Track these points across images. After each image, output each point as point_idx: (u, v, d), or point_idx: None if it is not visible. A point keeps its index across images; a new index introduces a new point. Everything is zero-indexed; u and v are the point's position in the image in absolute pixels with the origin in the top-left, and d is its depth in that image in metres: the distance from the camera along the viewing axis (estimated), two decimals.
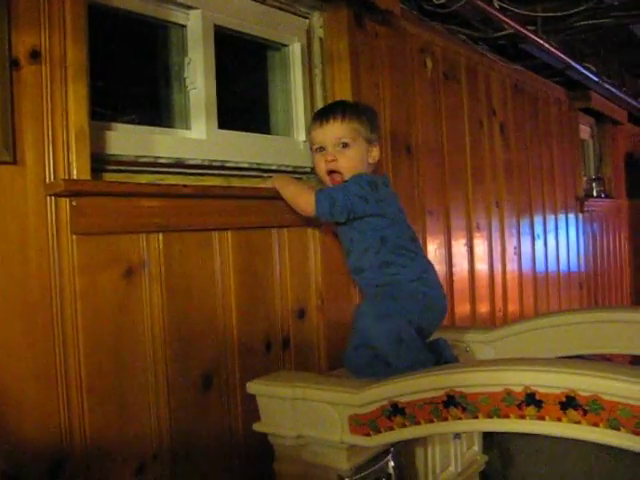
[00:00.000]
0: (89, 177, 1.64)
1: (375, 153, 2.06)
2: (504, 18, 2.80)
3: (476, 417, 1.56)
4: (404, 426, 1.66)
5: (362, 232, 2.00)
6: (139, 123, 1.99)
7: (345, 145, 1.99)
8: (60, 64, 1.61)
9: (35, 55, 1.57)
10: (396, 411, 1.66)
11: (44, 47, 1.58)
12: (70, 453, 1.59)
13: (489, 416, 1.54)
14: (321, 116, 2.04)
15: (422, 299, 1.98)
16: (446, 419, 1.60)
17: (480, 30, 3.25)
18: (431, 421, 1.62)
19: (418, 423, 1.64)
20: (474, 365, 1.80)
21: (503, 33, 3.22)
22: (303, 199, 1.97)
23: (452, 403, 1.58)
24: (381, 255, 1.99)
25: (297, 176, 2.40)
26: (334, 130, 1.99)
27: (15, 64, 1.53)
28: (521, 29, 2.94)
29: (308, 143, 2.08)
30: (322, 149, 2.02)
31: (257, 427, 1.87)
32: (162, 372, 1.79)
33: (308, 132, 2.07)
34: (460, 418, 1.58)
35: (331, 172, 2.01)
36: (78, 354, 1.61)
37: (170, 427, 1.81)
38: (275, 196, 2.07)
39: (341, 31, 2.49)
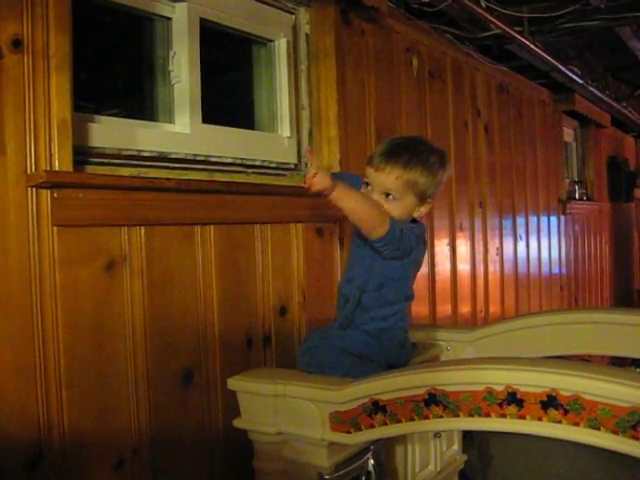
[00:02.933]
0: (71, 169, 1.63)
1: (424, 210, 1.86)
2: (491, 18, 2.80)
3: (457, 415, 1.55)
4: (385, 424, 1.65)
5: (383, 267, 1.86)
6: (123, 116, 1.97)
7: (391, 197, 1.79)
8: (43, 54, 1.59)
9: (17, 44, 1.55)
10: (377, 409, 1.65)
11: (26, 36, 1.57)
12: (48, 448, 1.58)
13: (470, 415, 1.53)
14: (380, 157, 1.80)
15: (408, 350, 1.95)
16: (427, 417, 1.59)
17: (466, 30, 3.25)
18: (412, 419, 1.61)
19: (399, 421, 1.63)
20: (456, 363, 1.80)
21: (489, 33, 3.22)
22: (381, 216, 1.73)
23: (433, 401, 1.58)
24: (386, 295, 1.87)
25: (281, 172, 2.39)
26: (385, 180, 1.78)
27: None
28: (507, 29, 2.94)
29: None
30: (368, 185, 1.84)
31: (237, 423, 1.86)
32: (142, 367, 1.78)
33: (367, 159, 1.84)
34: (441, 416, 1.57)
35: None
36: (58, 348, 1.60)
37: (150, 422, 1.80)
38: (258, 192, 2.06)
39: (327, 27, 2.49)
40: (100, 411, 1.69)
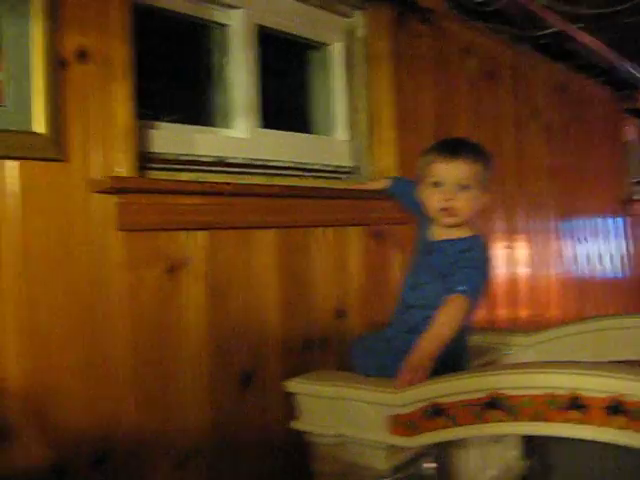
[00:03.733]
0: (134, 175, 1.66)
1: (485, 200, 1.92)
2: (548, 16, 2.76)
3: (518, 420, 1.53)
4: (445, 427, 1.64)
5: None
6: (182, 122, 2.00)
7: (466, 187, 1.86)
8: (107, 64, 1.63)
9: (83, 55, 1.60)
10: (437, 412, 1.64)
11: (91, 47, 1.61)
12: (114, 445, 1.62)
13: (532, 419, 1.51)
14: (449, 151, 1.89)
15: (468, 354, 1.98)
16: (487, 421, 1.58)
17: (523, 29, 3.20)
18: (472, 423, 1.60)
19: (459, 425, 1.61)
20: (517, 367, 1.77)
21: (547, 31, 3.18)
22: (458, 314, 1.77)
23: (494, 405, 1.56)
24: None
25: (338, 176, 2.39)
26: (460, 170, 1.85)
27: (63, 64, 1.56)
28: (566, 27, 2.90)
29: (422, 171, 1.91)
30: (439, 184, 1.88)
31: (296, 425, 1.87)
32: (203, 368, 1.81)
33: (425, 161, 1.91)
34: (502, 420, 1.55)
35: (449, 208, 1.89)
36: (123, 349, 1.64)
37: (211, 423, 1.83)
38: (315, 195, 2.07)
39: (383, 30, 2.48)
40: (163, 411, 1.72)
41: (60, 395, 1.53)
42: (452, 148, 1.91)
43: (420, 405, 1.66)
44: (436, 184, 1.88)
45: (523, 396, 1.52)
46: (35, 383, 1.49)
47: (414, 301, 1.91)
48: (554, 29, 3.10)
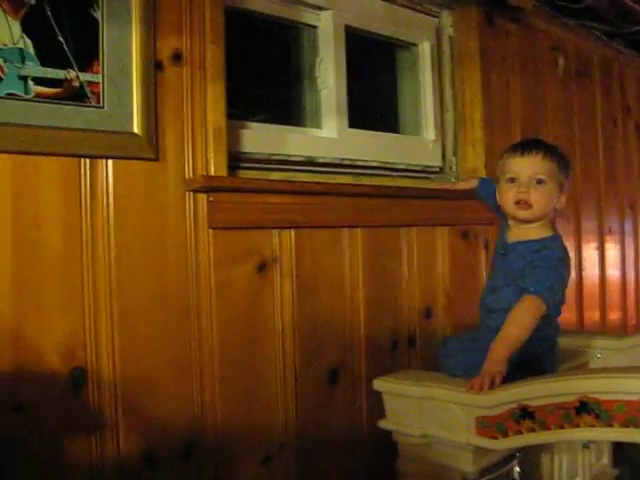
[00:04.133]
0: (226, 174, 1.70)
1: (563, 200, 1.94)
2: None
3: (610, 425, 1.50)
4: (533, 430, 1.62)
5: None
6: (272, 122, 2.03)
7: (540, 181, 1.88)
8: (200, 66, 1.68)
9: (177, 57, 1.65)
10: (525, 415, 1.62)
11: (185, 50, 1.66)
12: (202, 437, 1.67)
13: (625, 425, 1.48)
14: (522, 147, 1.93)
15: (557, 357, 1.98)
16: (578, 426, 1.55)
17: (615, 25, 3.12)
18: (562, 427, 1.57)
19: (548, 428, 1.59)
20: (610, 371, 1.73)
21: None
22: (533, 314, 1.75)
23: (585, 409, 1.53)
24: None
25: (426, 175, 2.39)
26: (534, 164, 1.88)
27: (159, 66, 1.62)
28: None
29: (498, 171, 1.96)
30: (514, 180, 1.90)
31: (382, 424, 1.87)
32: (290, 365, 1.84)
33: (502, 161, 1.95)
34: (593, 426, 1.53)
35: (519, 202, 1.89)
36: (212, 344, 1.68)
37: (296, 419, 1.86)
38: (404, 195, 2.08)
39: (471, 29, 2.47)
40: (250, 406, 1.76)
41: (151, 388, 1.59)
42: (527, 144, 1.94)
43: (508, 407, 1.64)
44: (511, 180, 1.90)
45: (616, 401, 1.49)
46: (127, 376, 1.55)
47: (494, 304, 1.91)
48: None
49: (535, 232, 1.91)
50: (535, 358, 1.84)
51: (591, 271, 3.12)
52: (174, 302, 1.62)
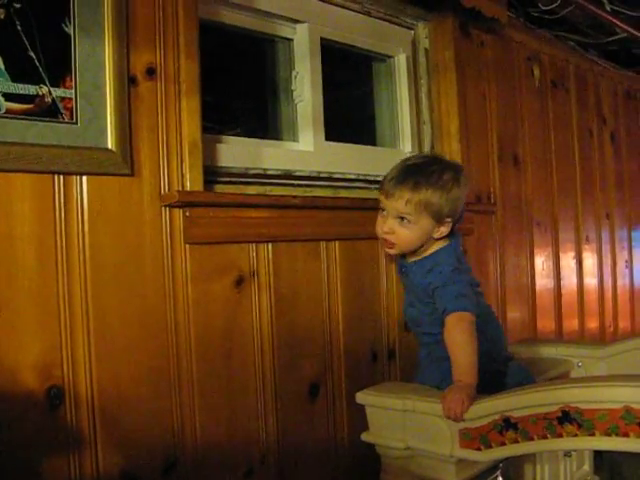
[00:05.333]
0: (202, 189, 1.69)
1: (443, 229, 1.81)
2: (617, 22, 2.71)
3: (593, 435, 1.50)
4: (516, 442, 1.61)
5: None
6: (247, 136, 2.02)
7: (405, 220, 1.77)
8: (174, 80, 1.67)
9: (151, 72, 1.63)
10: (508, 426, 1.61)
11: (159, 64, 1.65)
12: (182, 453, 1.64)
13: (607, 434, 1.47)
14: (392, 181, 1.79)
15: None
16: (560, 435, 1.54)
17: (590, 35, 3.16)
18: (544, 437, 1.57)
19: (531, 439, 1.59)
20: (591, 380, 1.73)
21: (615, 38, 3.12)
22: (469, 331, 1.72)
23: (567, 419, 1.53)
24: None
25: None
26: (398, 203, 1.76)
27: (132, 81, 1.60)
28: (636, 33, 2.84)
29: None
30: (383, 211, 1.82)
31: (365, 437, 1.86)
32: (270, 379, 1.82)
33: (380, 185, 1.84)
34: (575, 435, 1.52)
35: (386, 240, 1.82)
36: (190, 359, 1.66)
37: (277, 433, 1.84)
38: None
39: (446, 41, 2.48)
40: (230, 420, 1.74)
41: (130, 404, 1.56)
42: (394, 179, 1.79)
43: (491, 419, 1.63)
44: (382, 210, 1.82)
45: (597, 410, 1.48)
46: (105, 393, 1.52)
47: (416, 318, 1.89)
48: (622, 35, 3.03)
49: (424, 250, 1.84)
50: (488, 376, 1.82)
51: (569, 280, 3.14)
52: (151, 318, 1.60)
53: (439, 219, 1.77)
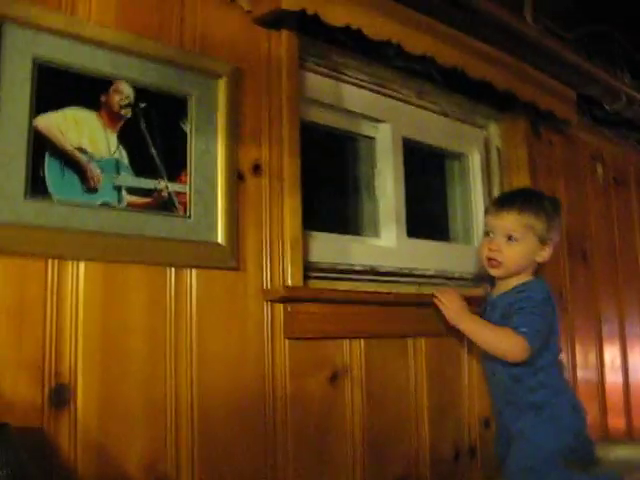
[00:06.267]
0: (301, 284, 1.71)
1: (545, 253, 1.95)
2: None
3: None
4: None
5: None
6: (331, 231, 2.04)
7: (512, 238, 1.91)
8: (278, 177, 1.72)
9: (257, 169, 1.69)
10: None
11: (265, 161, 1.70)
12: None
13: None
14: (499, 203, 1.99)
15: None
16: None
17: None
18: None
19: None
20: None
21: None
22: (513, 346, 1.82)
23: None
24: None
25: (478, 284, 2.40)
26: (506, 221, 1.91)
27: (240, 177, 1.65)
28: None
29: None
30: (490, 234, 1.96)
31: None
32: (359, 475, 1.80)
33: (484, 212, 2.05)
34: None
35: (492, 259, 1.95)
36: (287, 453, 1.65)
37: None
38: None
39: (518, 140, 2.54)
40: None
41: None
42: (505, 199, 2.00)
43: None
44: (487, 234, 1.97)
45: None
46: None
47: (493, 370, 1.99)
48: None
49: (516, 281, 1.94)
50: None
51: (637, 376, 3.08)
52: (252, 413, 1.60)
53: (543, 241, 1.93)
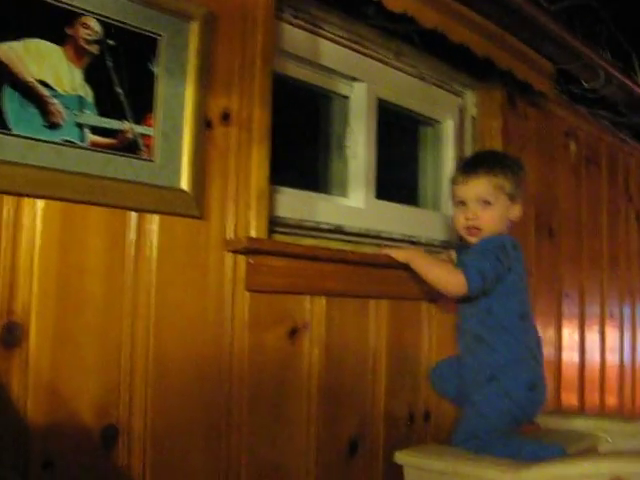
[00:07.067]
0: (266, 237, 1.69)
1: (517, 211, 1.99)
2: None
3: None
4: None
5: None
6: (301, 188, 2.03)
7: (487, 203, 1.94)
8: (247, 127, 1.68)
9: (226, 117, 1.65)
10: None
11: (234, 111, 1.67)
12: None
13: None
14: (465, 170, 1.99)
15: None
16: None
17: (624, 115, 3.21)
18: None
19: None
20: None
21: None
22: (452, 279, 1.87)
23: None
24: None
25: (444, 251, 2.39)
26: (477, 187, 1.94)
27: (208, 124, 1.61)
28: None
29: (451, 194, 2.05)
30: (463, 204, 1.97)
31: None
32: (314, 434, 1.79)
33: (451, 182, 2.02)
34: None
35: (471, 227, 1.96)
36: (241, 409, 1.64)
37: None
38: None
39: (493, 110, 2.53)
40: (273, 472, 1.71)
41: (180, 448, 1.53)
42: (470, 164, 2.01)
43: None
44: (460, 203, 1.98)
45: None
46: (158, 437, 1.49)
47: (463, 326, 2.03)
48: None
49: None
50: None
51: (592, 354, 3.13)
52: (208, 363, 1.58)
53: (512, 199, 1.97)
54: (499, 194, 1.93)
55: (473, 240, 1.97)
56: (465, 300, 1.96)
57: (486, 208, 1.94)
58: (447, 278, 1.88)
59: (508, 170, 1.97)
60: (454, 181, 2.01)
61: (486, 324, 1.93)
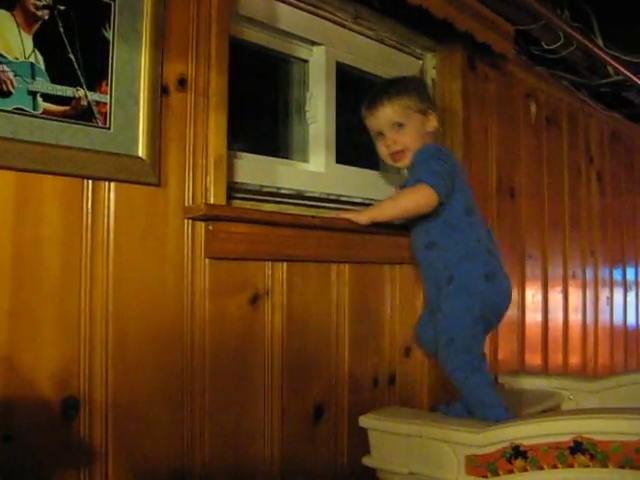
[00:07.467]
0: (224, 203, 1.68)
1: (432, 121, 2.03)
2: (617, 65, 2.78)
3: (606, 466, 1.52)
4: (525, 470, 1.62)
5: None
6: (259, 153, 2.01)
7: (400, 125, 1.98)
8: (204, 93, 1.66)
9: (182, 83, 1.63)
10: (517, 454, 1.62)
11: (191, 76, 1.65)
12: (190, 472, 1.61)
13: (620, 466, 1.50)
14: (370, 103, 2.02)
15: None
16: (572, 466, 1.56)
17: (584, 76, 3.23)
18: (555, 467, 1.59)
19: (540, 468, 1.60)
20: (607, 412, 1.74)
21: (607, 80, 3.20)
22: (418, 197, 1.88)
23: (579, 449, 1.55)
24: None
25: None
26: (385, 114, 1.99)
27: (164, 91, 1.59)
28: (634, 78, 2.91)
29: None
30: (380, 134, 2.02)
31: (367, 461, 1.86)
32: (278, 400, 1.80)
33: (363, 120, 2.06)
34: (587, 466, 1.54)
35: (394, 153, 2.01)
36: (204, 377, 1.64)
37: (281, 455, 1.81)
38: (387, 232, 2.07)
39: (453, 73, 2.52)
40: (237, 440, 1.71)
41: (142, 421, 1.53)
42: (372, 97, 2.04)
43: (500, 446, 1.65)
44: (378, 135, 2.03)
45: (611, 442, 1.51)
46: (119, 408, 1.49)
47: (419, 255, 2.04)
48: (615, 78, 3.11)
49: None
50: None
51: (555, 315, 3.18)
52: (168, 332, 1.57)
53: (423, 112, 2.01)
54: (408, 112, 1.98)
55: (401, 164, 2.03)
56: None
57: (401, 130, 1.99)
58: (414, 198, 1.90)
59: (407, 88, 2.02)
60: (365, 117, 2.05)
61: (436, 228, 1.95)
